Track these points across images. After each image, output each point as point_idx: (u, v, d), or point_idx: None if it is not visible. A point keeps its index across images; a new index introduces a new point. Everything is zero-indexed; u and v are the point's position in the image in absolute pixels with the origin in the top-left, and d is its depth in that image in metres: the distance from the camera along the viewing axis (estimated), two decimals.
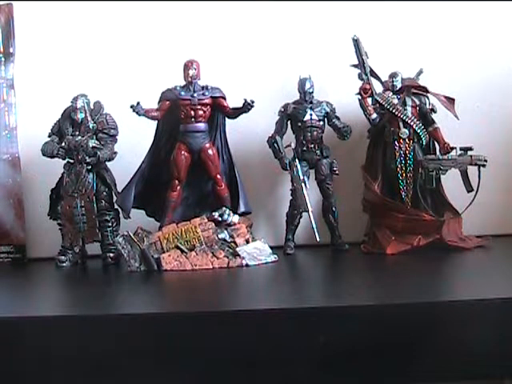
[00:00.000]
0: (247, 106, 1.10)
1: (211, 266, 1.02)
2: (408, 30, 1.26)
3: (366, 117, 1.15)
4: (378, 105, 1.14)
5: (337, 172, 1.16)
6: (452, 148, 1.11)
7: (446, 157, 1.11)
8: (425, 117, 1.14)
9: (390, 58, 1.20)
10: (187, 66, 1.12)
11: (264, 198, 1.27)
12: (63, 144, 1.13)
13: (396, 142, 1.13)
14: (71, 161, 1.14)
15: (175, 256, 1.03)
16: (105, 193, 1.14)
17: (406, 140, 1.13)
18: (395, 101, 1.14)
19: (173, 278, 0.97)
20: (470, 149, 1.09)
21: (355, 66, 1.13)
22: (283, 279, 0.96)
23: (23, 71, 1.28)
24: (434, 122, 1.14)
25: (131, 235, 1.05)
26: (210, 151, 1.13)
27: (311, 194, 1.13)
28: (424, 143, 1.14)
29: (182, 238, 1.05)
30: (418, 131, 1.13)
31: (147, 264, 1.02)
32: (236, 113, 1.13)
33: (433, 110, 1.16)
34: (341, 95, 1.20)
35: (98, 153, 1.12)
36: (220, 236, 1.07)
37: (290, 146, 1.14)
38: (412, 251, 1.07)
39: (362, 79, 1.14)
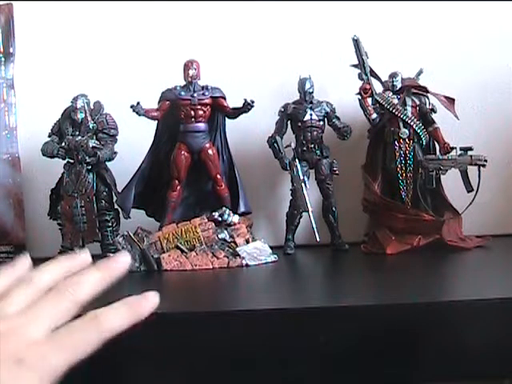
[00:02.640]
0: (247, 106, 1.09)
1: (211, 266, 1.02)
2: (408, 29, 1.26)
3: (366, 117, 1.15)
4: (377, 105, 1.14)
5: (337, 172, 1.16)
6: (452, 148, 1.11)
7: (445, 157, 1.10)
8: (425, 117, 1.14)
9: (390, 58, 1.20)
10: (187, 66, 1.12)
11: (264, 198, 1.27)
12: (63, 144, 1.13)
13: (396, 142, 1.13)
14: (71, 161, 1.13)
15: (175, 256, 1.03)
16: (105, 193, 1.14)
17: (406, 140, 1.13)
18: (395, 101, 1.13)
19: (173, 278, 0.97)
20: (470, 149, 1.09)
21: (355, 65, 1.13)
22: (283, 279, 0.96)
23: (23, 71, 1.28)
24: (434, 121, 1.14)
25: (131, 235, 1.05)
26: (209, 151, 1.13)
27: (311, 194, 1.13)
28: (424, 143, 1.14)
29: (182, 238, 1.05)
30: (418, 131, 1.13)
31: (147, 264, 1.02)
32: (236, 113, 1.12)
33: (433, 110, 1.15)
34: (341, 95, 1.20)
35: (98, 153, 1.11)
36: (220, 236, 1.07)
37: (289, 145, 1.14)
38: (412, 251, 1.07)
39: (362, 79, 1.14)
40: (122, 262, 0.55)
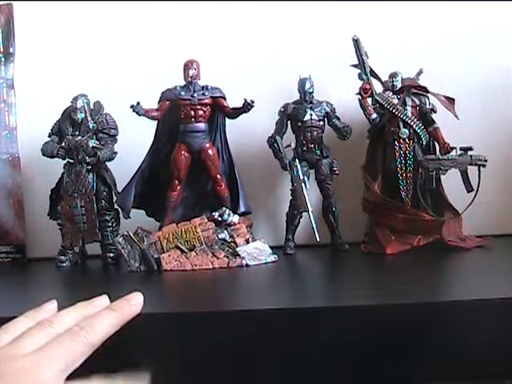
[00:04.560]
0: (247, 106, 1.09)
1: (211, 266, 1.02)
2: (408, 29, 1.26)
3: (366, 117, 1.15)
4: (377, 105, 1.14)
5: (337, 172, 1.16)
6: (452, 148, 1.11)
7: (445, 157, 1.10)
8: (425, 117, 1.14)
9: (390, 58, 1.20)
10: (187, 66, 1.12)
11: (264, 198, 1.27)
12: (63, 144, 1.13)
13: (396, 142, 1.13)
14: (71, 161, 1.13)
15: (175, 256, 1.03)
16: (105, 193, 1.14)
17: (406, 140, 1.13)
18: (395, 101, 1.13)
19: (173, 278, 0.97)
20: (470, 149, 1.09)
21: (355, 65, 1.13)
22: (283, 279, 0.96)
23: (23, 71, 1.28)
24: (434, 121, 1.14)
25: (131, 235, 1.04)
26: (209, 151, 1.13)
27: (311, 194, 1.13)
28: (424, 143, 1.14)
29: (182, 238, 1.05)
30: (418, 131, 1.13)
31: (147, 264, 1.02)
32: (236, 113, 1.12)
33: (433, 110, 1.15)
34: (341, 95, 1.20)
35: (98, 153, 1.11)
36: (220, 236, 1.07)
37: (290, 145, 1.14)
38: (412, 251, 1.07)
39: (362, 79, 1.14)
40: (136, 304, 0.56)
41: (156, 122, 1.14)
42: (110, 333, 0.54)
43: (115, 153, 1.14)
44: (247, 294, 0.84)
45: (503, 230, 1.22)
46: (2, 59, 1.27)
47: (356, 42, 1.10)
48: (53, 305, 0.59)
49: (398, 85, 1.14)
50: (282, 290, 0.85)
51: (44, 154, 1.14)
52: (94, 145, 1.12)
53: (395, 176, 1.14)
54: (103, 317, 0.54)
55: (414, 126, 1.12)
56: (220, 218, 1.09)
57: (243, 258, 1.04)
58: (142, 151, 1.14)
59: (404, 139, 1.13)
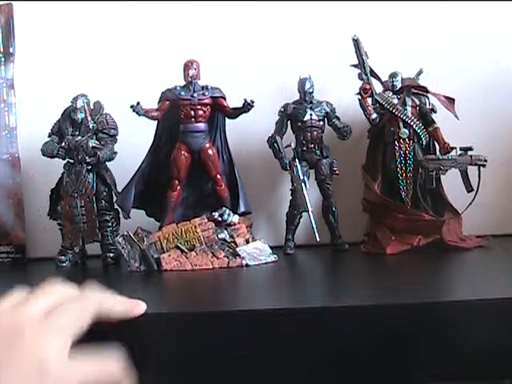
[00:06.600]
0: (247, 106, 1.09)
1: (211, 266, 1.02)
2: (408, 30, 1.26)
3: (366, 117, 1.14)
4: (378, 105, 1.14)
5: (337, 172, 1.16)
6: (452, 148, 1.11)
7: (445, 157, 1.10)
8: (425, 117, 1.14)
9: (390, 58, 1.20)
10: (187, 66, 1.12)
11: (264, 198, 1.27)
12: (63, 144, 1.13)
13: (396, 142, 1.13)
14: (71, 161, 1.13)
15: (175, 256, 1.03)
16: (105, 193, 1.14)
17: (406, 140, 1.13)
18: (395, 101, 1.13)
19: (173, 278, 0.97)
20: (470, 149, 1.09)
21: (355, 65, 1.13)
22: (283, 279, 0.96)
23: (23, 71, 1.28)
24: (433, 121, 1.14)
25: (131, 235, 1.04)
26: (209, 151, 1.13)
27: (311, 194, 1.13)
28: (424, 143, 1.14)
29: (182, 238, 1.05)
30: (418, 131, 1.13)
31: (147, 264, 1.02)
32: (236, 113, 1.12)
33: (433, 110, 1.15)
34: (341, 95, 1.20)
35: (98, 153, 1.11)
36: (220, 236, 1.07)
37: (290, 145, 1.14)
38: (412, 251, 1.07)
39: (362, 79, 1.14)
40: (138, 308, 0.57)
41: (156, 121, 1.14)
42: (116, 312, 0.54)
43: (115, 153, 1.14)
44: (247, 294, 0.84)
45: (503, 230, 1.22)
46: (2, 59, 1.27)
47: (356, 42, 1.10)
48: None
49: (398, 85, 1.14)
50: (282, 289, 0.85)
51: (44, 154, 1.14)
52: (94, 145, 1.12)
53: (395, 176, 1.13)
54: (109, 297, 0.55)
55: (414, 126, 1.12)
56: (220, 218, 1.09)
57: (243, 257, 1.04)
58: (142, 151, 1.14)
59: (404, 139, 1.13)
